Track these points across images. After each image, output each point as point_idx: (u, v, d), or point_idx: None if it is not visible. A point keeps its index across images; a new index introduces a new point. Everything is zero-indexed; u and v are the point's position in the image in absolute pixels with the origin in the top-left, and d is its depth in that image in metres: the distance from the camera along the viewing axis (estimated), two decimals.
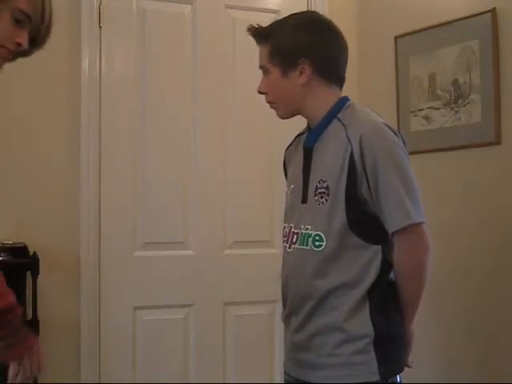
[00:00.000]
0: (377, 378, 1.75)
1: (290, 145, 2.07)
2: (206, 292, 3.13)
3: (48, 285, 2.82)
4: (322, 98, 1.87)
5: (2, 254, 2.69)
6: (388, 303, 1.81)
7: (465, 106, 2.86)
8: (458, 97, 2.89)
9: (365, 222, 1.78)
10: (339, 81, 1.91)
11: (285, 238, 1.92)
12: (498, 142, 2.73)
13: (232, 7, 3.23)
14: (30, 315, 2.72)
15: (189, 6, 3.17)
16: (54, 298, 2.89)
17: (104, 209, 2.99)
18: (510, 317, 2.68)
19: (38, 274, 2.71)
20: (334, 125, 1.84)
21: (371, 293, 1.77)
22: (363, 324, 1.77)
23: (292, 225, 1.89)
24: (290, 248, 1.89)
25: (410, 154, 3.14)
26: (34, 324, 2.70)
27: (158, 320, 3.07)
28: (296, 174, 1.92)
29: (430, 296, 2.99)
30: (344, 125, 1.81)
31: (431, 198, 3.03)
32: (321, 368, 1.80)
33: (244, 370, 3.17)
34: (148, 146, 3.08)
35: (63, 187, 2.96)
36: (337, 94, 1.90)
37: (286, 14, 3.24)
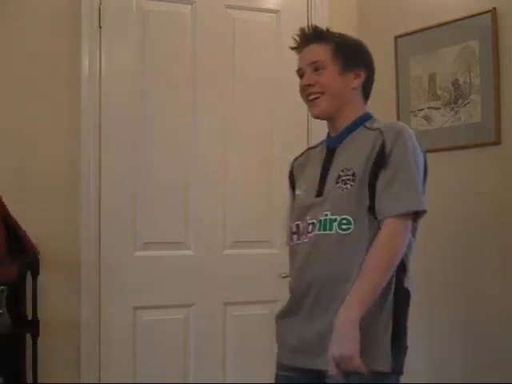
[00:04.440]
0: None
1: (299, 156, 2.16)
2: (206, 292, 3.13)
3: (48, 285, 2.82)
4: (357, 108, 2.02)
5: None
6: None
7: (465, 106, 2.86)
8: (457, 97, 2.89)
9: None
10: (367, 100, 2.08)
11: (295, 236, 1.97)
12: (497, 142, 2.73)
13: (232, 7, 3.23)
14: (29, 315, 2.73)
15: (189, 6, 3.17)
16: (54, 298, 2.89)
17: (104, 209, 2.99)
18: (510, 317, 2.68)
19: (38, 273, 2.71)
20: (360, 130, 1.97)
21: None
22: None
23: (308, 217, 1.93)
24: (299, 240, 1.94)
25: None
26: (33, 324, 2.70)
27: (158, 320, 3.07)
28: (311, 176, 2.00)
29: (429, 296, 3.00)
30: (371, 129, 1.94)
31: (431, 197, 3.03)
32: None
33: (244, 370, 3.17)
34: (148, 146, 3.08)
35: (63, 187, 2.96)
36: (365, 109, 2.06)
37: (286, 14, 3.29)
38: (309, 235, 1.91)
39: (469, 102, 2.84)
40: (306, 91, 1.98)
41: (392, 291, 1.83)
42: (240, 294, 3.18)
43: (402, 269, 1.85)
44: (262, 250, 3.22)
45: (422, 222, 3.09)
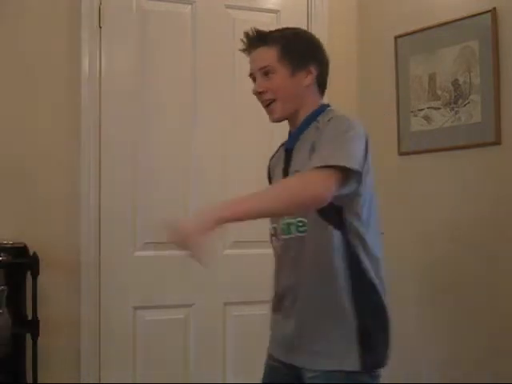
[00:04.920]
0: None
1: (274, 155, 2.17)
2: (206, 292, 3.13)
3: (48, 285, 2.82)
4: (313, 104, 1.97)
5: (2, 254, 2.69)
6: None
7: (465, 105, 2.86)
8: (457, 97, 2.89)
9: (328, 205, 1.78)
10: (324, 92, 2.03)
11: (274, 237, 2.00)
12: (498, 142, 2.73)
13: (232, 7, 3.23)
14: (29, 315, 2.73)
15: (189, 6, 3.17)
16: (54, 298, 2.89)
17: (104, 209, 3.00)
18: (509, 317, 2.68)
19: (38, 273, 2.71)
20: (312, 127, 1.93)
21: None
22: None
23: (281, 220, 1.95)
24: (277, 242, 1.98)
25: (410, 154, 3.15)
26: (33, 324, 2.70)
27: (158, 320, 3.07)
28: (278, 177, 2.01)
29: (429, 295, 3.00)
30: (318, 122, 1.92)
31: (431, 197, 3.04)
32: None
33: (244, 370, 3.17)
34: (148, 146, 3.08)
35: (63, 187, 2.96)
36: (321, 103, 2.02)
37: (286, 14, 3.29)
38: (279, 239, 1.96)
39: (469, 102, 2.84)
40: (259, 98, 1.98)
41: (351, 283, 1.82)
42: (240, 294, 3.18)
43: (356, 260, 1.84)
44: (262, 250, 3.18)
45: (420, 221, 3.11)
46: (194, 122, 3.14)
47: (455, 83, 2.90)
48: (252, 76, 2.00)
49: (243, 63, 3.19)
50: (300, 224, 1.88)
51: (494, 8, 2.74)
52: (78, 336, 2.94)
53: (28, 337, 2.75)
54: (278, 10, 3.29)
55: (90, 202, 2.97)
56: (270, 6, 3.31)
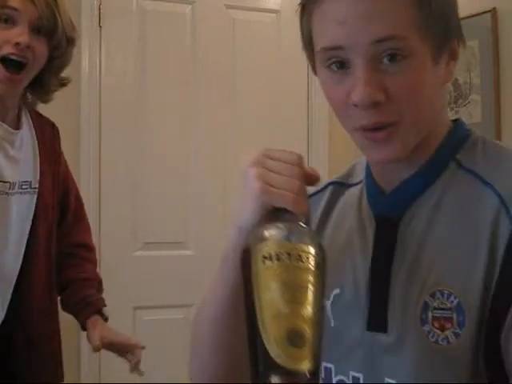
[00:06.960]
0: None
1: (319, 192, 1.10)
2: None
3: None
4: (442, 120, 1.04)
5: None
6: None
7: (465, 105, 2.86)
8: (457, 97, 2.89)
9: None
10: None
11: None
12: None
13: (232, 7, 3.23)
14: None
15: (189, 6, 3.17)
16: None
17: (104, 209, 3.00)
18: None
19: None
20: (453, 173, 0.97)
21: None
22: None
23: (356, 370, 0.96)
24: None
25: None
26: None
27: (158, 320, 3.07)
28: (349, 268, 0.99)
29: None
30: (480, 178, 0.94)
31: None
32: None
33: None
34: (148, 146, 3.08)
35: None
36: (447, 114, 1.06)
37: (286, 14, 3.29)
38: None
39: (469, 102, 2.85)
40: (360, 114, 0.90)
41: None
42: None
43: None
44: None
45: None
46: (194, 122, 3.14)
47: (455, 83, 2.90)
48: (330, 53, 0.91)
49: (243, 63, 3.21)
50: None
51: (494, 8, 2.74)
52: (78, 336, 2.93)
53: None
54: (278, 10, 3.29)
55: (90, 202, 2.96)
56: (270, 5, 3.31)
